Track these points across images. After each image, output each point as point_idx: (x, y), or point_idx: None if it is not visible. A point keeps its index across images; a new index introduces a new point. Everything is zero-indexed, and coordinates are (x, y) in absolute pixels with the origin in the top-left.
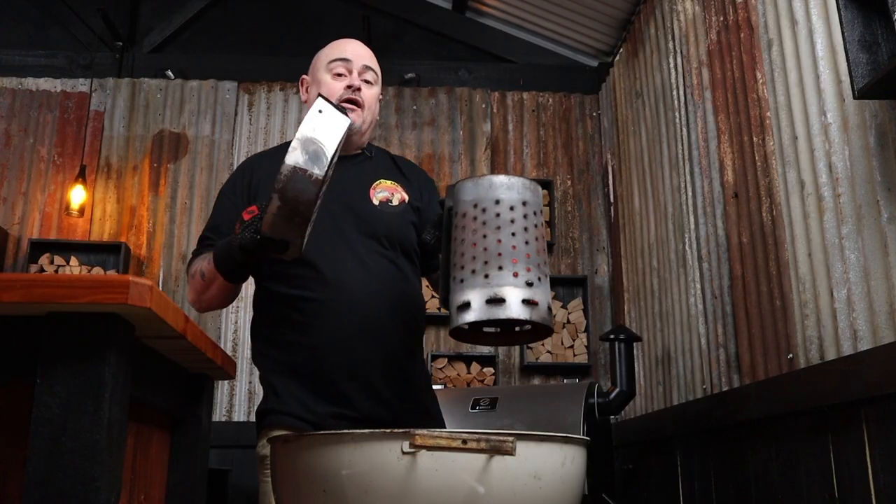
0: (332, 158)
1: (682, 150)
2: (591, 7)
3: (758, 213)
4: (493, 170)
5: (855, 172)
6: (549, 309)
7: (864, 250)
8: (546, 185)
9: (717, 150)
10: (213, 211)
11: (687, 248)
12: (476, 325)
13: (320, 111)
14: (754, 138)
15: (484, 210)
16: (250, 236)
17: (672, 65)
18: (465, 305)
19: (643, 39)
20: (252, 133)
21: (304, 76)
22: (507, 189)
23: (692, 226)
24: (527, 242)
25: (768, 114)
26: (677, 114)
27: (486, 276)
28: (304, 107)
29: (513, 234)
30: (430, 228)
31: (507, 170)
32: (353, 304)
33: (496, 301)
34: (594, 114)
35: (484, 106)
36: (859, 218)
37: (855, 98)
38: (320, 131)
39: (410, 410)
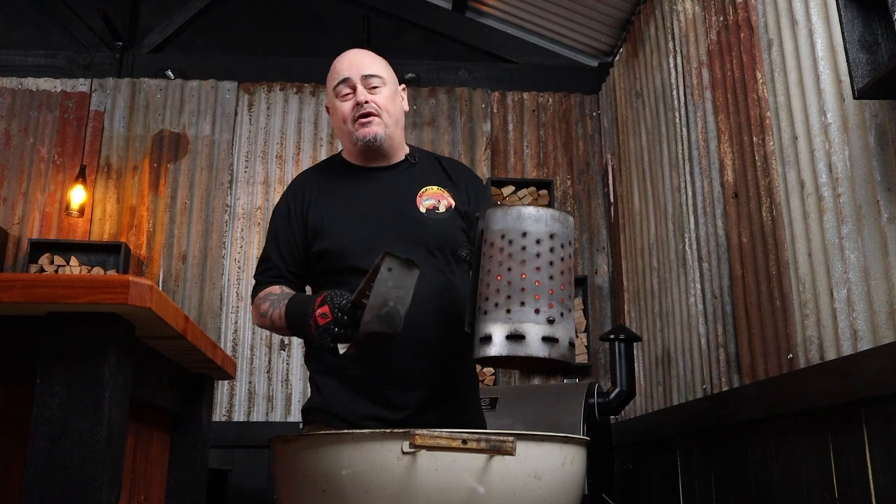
0: (406, 310)
1: (682, 150)
2: (591, 7)
3: (758, 213)
4: (493, 170)
5: (855, 172)
6: (572, 344)
7: (864, 250)
8: (546, 185)
9: (717, 150)
10: (270, 232)
11: (687, 248)
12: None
13: (389, 269)
14: (754, 138)
15: (511, 242)
16: (328, 345)
17: (672, 65)
18: (487, 339)
19: (643, 39)
20: (252, 133)
21: (326, 105)
22: (535, 221)
23: (692, 226)
24: (551, 277)
25: (768, 114)
26: (677, 114)
27: (508, 311)
28: (305, 106)
29: (537, 269)
30: (467, 245)
31: (507, 170)
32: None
33: (516, 337)
34: (594, 114)
35: (484, 106)
36: (859, 218)
37: (855, 98)
38: (392, 291)
39: (451, 416)
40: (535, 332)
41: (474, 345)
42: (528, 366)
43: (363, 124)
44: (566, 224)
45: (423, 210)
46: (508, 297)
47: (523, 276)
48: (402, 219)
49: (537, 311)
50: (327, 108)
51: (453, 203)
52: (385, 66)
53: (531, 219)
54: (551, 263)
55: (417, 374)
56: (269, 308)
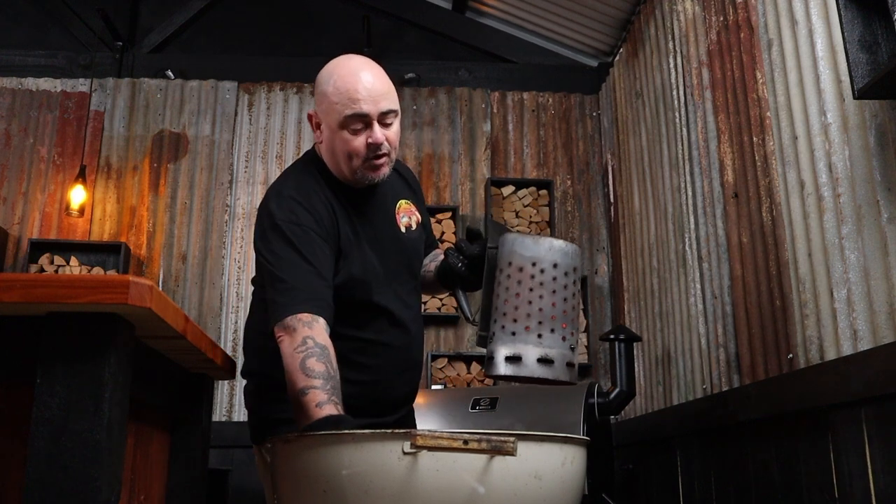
0: None
1: (682, 150)
2: (591, 7)
3: (758, 213)
4: (493, 170)
5: (855, 172)
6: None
7: (864, 250)
8: (546, 185)
9: (717, 150)
10: (295, 249)
11: (687, 248)
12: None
13: None
14: (754, 138)
15: (542, 271)
16: None
17: (672, 65)
18: (516, 359)
19: (643, 39)
20: (252, 133)
21: (310, 112)
22: (564, 255)
23: (692, 226)
24: (573, 308)
25: (768, 114)
26: (677, 114)
27: (540, 336)
28: (305, 106)
29: (565, 300)
30: (456, 253)
31: (507, 170)
32: (405, 346)
33: (546, 361)
34: (594, 114)
35: (484, 106)
36: (859, 218)
37: (855, 98)
38: None
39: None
40: (561, 357)
41: (494, 361)
42: (533, 382)
43: (375, 167)
44: (580, 258)
45: (402, 230)
46: (540, 322)
47: (554, 304)
48: (394, 242)
49: (564, 339)
50: (310, 117)
51: (420, 218)
52: (395, 93)
53: (560, 252)
54: (574, 295)
55: (408, 392)
56: (314, 366)
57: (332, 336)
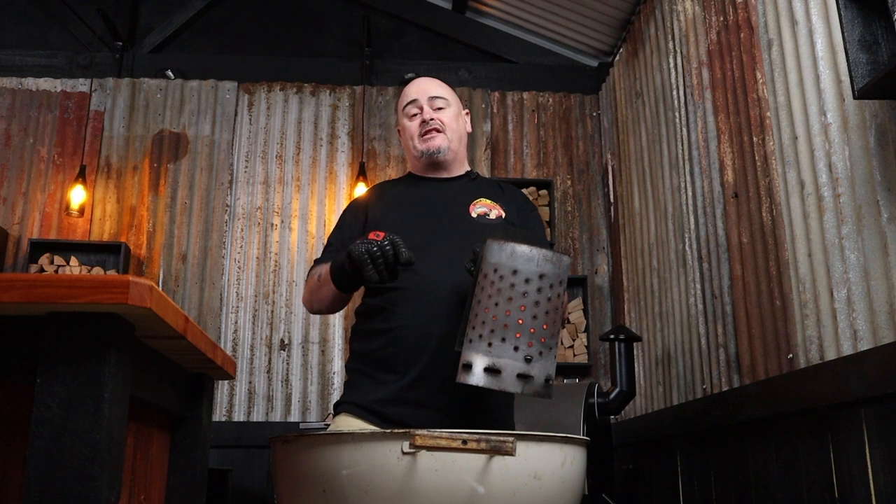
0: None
1: (682, 150)
2: (591, 7)
3: (758, 213)
4: (493, 170)
5: (855, 172)
6: (548, 381)
7: (864, 250)
8: (546, 185)
9: (717, 150)
10: (338, 223)
11: (687, 248)
12: None
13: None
14: (754, 138)
15: (501, 277)
16: (359, 255)
17: (672, 65)
18: (468, 367)
19: (643, 39)
20: (252, 133)
21: (397, 128)
22: (527, 261)
23: (692, 226)
24: (534, 317)
25: (768, 114)
26: (677, 114)
27: (490, 345)
28: (305, 106)
29: (521, 308)
30: (471, 261)
31: (507, 170)
32: (431, 291)
33: (493, 371)
34: (594, 114)
35: (484, 106)
36: (859, 218)
37: (855, 98)
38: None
39: (473, 407)
40: (511, 368)
41: (458, 368)
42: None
43: (426, 139)
44: (558, 265)
45: (474, 215)
46: (492, 330)
47: (508, 312)
48: (451, 221)
49: (516, 349)
50: (398, 131)
51: (504, 214)
52: (450, 91)
53: (523, 258)
54: (537, 303)
55: (441, 349)
56: (318, 268)
57: (369, 294)
